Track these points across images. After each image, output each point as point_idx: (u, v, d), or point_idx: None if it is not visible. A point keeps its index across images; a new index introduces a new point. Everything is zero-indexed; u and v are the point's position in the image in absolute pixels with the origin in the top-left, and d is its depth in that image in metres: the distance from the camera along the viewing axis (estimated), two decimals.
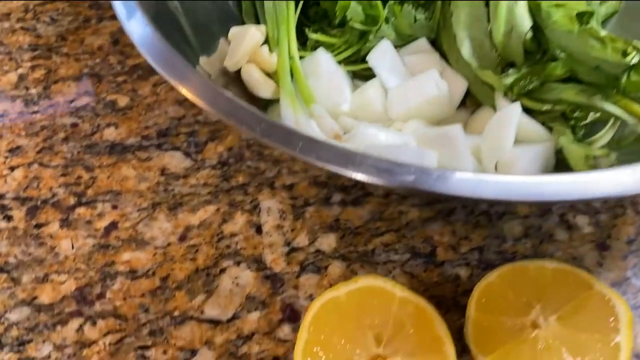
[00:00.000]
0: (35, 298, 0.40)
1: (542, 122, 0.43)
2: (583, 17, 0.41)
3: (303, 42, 0.49)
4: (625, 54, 0.38)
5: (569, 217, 0.46)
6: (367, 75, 0.47)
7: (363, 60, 0.48)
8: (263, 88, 0.45)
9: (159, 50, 0.37)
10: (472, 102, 0.47)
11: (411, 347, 0.34)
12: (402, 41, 0.49)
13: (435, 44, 0.48)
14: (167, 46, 0.37)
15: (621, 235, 0.45)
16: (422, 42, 0.48)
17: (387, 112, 0.45)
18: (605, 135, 0.43)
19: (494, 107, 0.44)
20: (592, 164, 0.39)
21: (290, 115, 0.43)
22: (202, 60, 0.44)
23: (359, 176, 0.31)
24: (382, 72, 0.46)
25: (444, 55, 0.48)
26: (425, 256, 0.43)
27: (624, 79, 0.38)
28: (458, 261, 0.43)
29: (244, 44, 0.45)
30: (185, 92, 0.34)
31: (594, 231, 0.45)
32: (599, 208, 0.47)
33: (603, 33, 0.39)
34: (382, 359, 0.34)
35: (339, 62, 0.48)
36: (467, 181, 0.30)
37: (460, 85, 0.46)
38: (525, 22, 0.43)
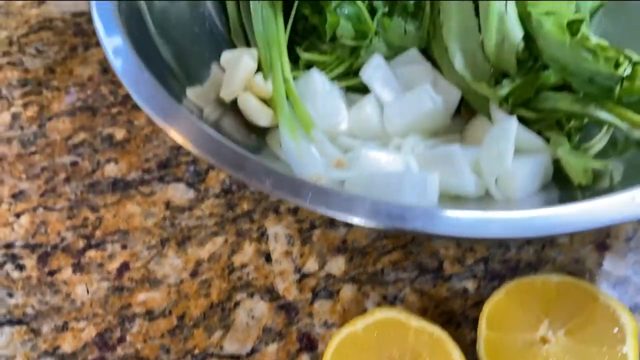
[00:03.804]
0: (57, 348, 0.41)
1: (538, 130, 0.43)
2: (573, 26, 0.41)
3: (294, 59, 0.49)
4: (617, 64, 0.39)
5: None
6: (360, 88, 0.48)
7: (355, 73, 0.48)
8: (261, 116, 0.45)
9: (151, 92, 0.37)
10: (466, 110, 0.48)
11: None
12: (393, 53, 0.49)
13: (425, 53, 0.49)
14: (161, 90, 0.38)
15: (620, 234, 0.47)
16: (413, 53, 0.48)
17: (384, 128, 0.46)
18: (600, 141, 0.43)
19: (489, 116, 0.44)
20: (592, 176, 0.40)
21: (291, 144, 0.43)
22: (194, 92, 0.44)
23: (372, 224, 0.32)
24: (376, 87, 0.46)
25: (435, 64, 0.48)
26: (433, 271, 0.44)
27: (617, 89, 0.39)
28: (465, 274, 0.44)
29: (238, 74, 0.45)
30: (191, 148, 0.34)
31: (593, 232, 0.47)
32: None
33: (594, 41, 0.40)
34: None
35: (332, 79, 0.48)
36: (474, 221, 0.32)
37: (454, 95, 0.46)
38: (517, 32, 0.43)
